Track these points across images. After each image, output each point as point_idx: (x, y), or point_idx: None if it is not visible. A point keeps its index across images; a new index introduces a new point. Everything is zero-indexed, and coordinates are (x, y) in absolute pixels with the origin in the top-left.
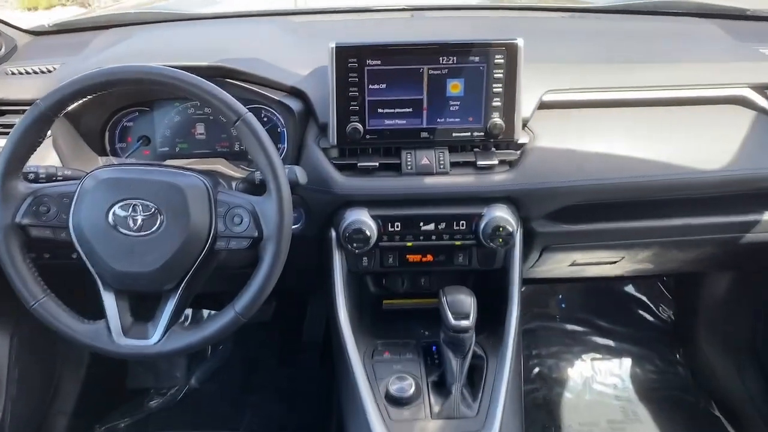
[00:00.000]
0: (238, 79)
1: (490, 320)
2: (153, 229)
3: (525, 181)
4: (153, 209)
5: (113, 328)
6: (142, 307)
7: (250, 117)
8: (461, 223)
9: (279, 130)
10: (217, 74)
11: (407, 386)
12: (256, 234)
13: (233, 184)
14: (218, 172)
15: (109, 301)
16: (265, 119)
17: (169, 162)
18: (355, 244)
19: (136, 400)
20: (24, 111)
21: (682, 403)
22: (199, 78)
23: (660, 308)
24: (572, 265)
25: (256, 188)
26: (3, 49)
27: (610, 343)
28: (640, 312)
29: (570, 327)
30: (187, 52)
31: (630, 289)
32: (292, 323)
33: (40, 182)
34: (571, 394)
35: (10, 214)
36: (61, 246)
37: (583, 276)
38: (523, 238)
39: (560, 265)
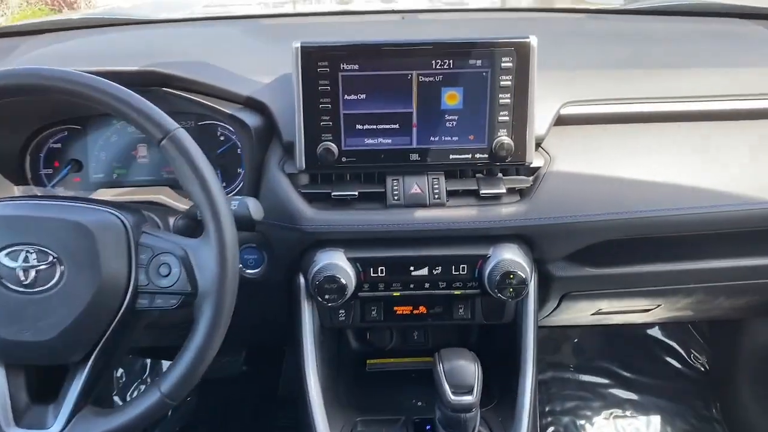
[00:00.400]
0: (179, 87)
1: (499, 387)
2: (50, 284)
3: (540, 215)
4: (51, 258)
5: (1, 413)
6: (44, 383)
7: (181, 134)
8: (462, 267)
9: (239, 151)
10: (151, 82)
11: None
12: (189, 289)
13: (171, 221)
14: (155, 206)
15: None
16: (222, 138)
17: (101, 192)
18: (327, 296)
19: None
20: None
21: None
22: (113, 84)
23: (692, 355)
24: (596, 313)
25: (198, 226)
26: None
27: (635, 396)
28: (669, 360)
29: (588, 378)
30: (120, 56)
31: (656, 332)
32: (266, 377)
33: None
34: None
35: None
36: None
37: (607, 323)
38: (538, 285)
39: (582, 314)
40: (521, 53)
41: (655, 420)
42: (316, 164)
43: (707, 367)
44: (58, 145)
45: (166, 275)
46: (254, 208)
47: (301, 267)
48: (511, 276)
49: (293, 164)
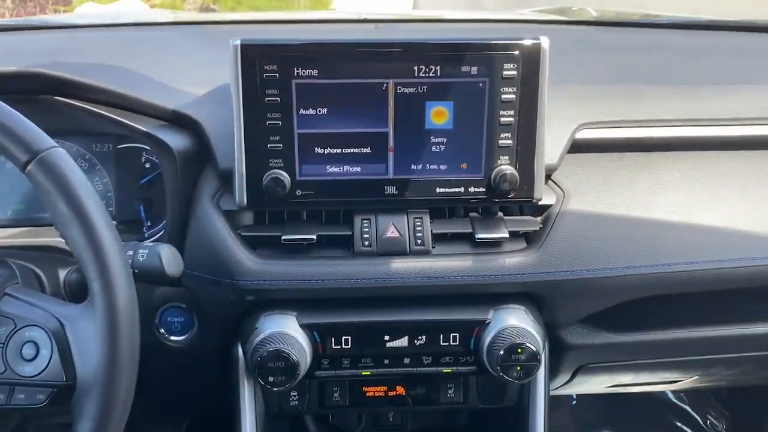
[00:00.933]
0: (76, 96)
1: None
2: None
3: (554, 268)
4: None
5: None
6: None
7: (56, 155)
8: (452, 337)
9: None
10: (39, 88)
11: None
12: (64, 379)
13: (61, 274)
14: (49, 253)
15: None
16: (147, 165)
17: None
18: (271, 378)
19: None
20: None
21: None
22: None
23: (708, 422)
24: (615, 386)
25: None
26: None
27: None
28: (683, 426)
29: None
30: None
31: (667, 395)
32: None
33: None
34: None
35: None
36: None
37: (623, 392)
38: (548, 355)
39: (598, 386)
40: (529, 58)
41: None
42: (261, 199)
43: None
44: None
45: (32, 359)
46: (169, 258)
47: (239, 335)
48: (520, 350)
49: (232, 199)
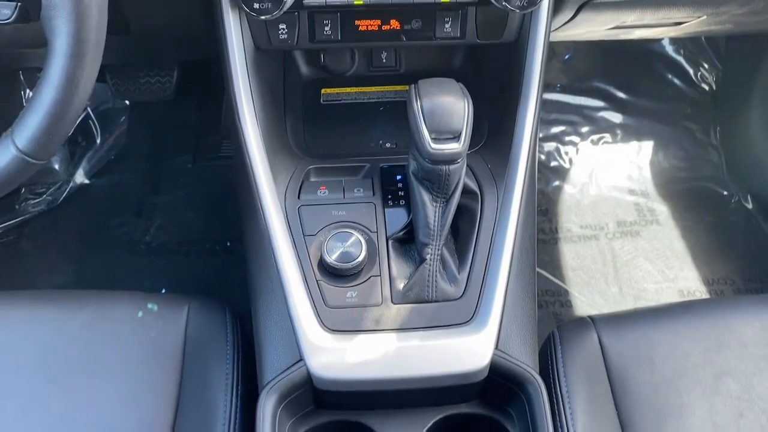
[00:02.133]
0: None
1: (488, 123)
2: None
3: None
4: None
5: None
6: None
7: None
8: None
9: None
10: None
11: (354, 249)
12: None
13: None
14: None
15: None
16: None
17: None
18: (256, 5)
19: (3, 205)
20: None
21: (712, 197)
22: None
23: (700, 74)
24: (616, 27)
25: None
26: None
27: (629, 120)
28: (673, 79)
29: (578, 100)
30: None
31: (662, 46)
32: (205, 101)
33: None
34: (573, 189)
35: None
36: None
37: (623, 38)
38: None
39: (599, 27)
40: None
41: (647, 145)
42: None
43: (714, 87)
44: None
45: None
46: None
47: None
48: None
49: None
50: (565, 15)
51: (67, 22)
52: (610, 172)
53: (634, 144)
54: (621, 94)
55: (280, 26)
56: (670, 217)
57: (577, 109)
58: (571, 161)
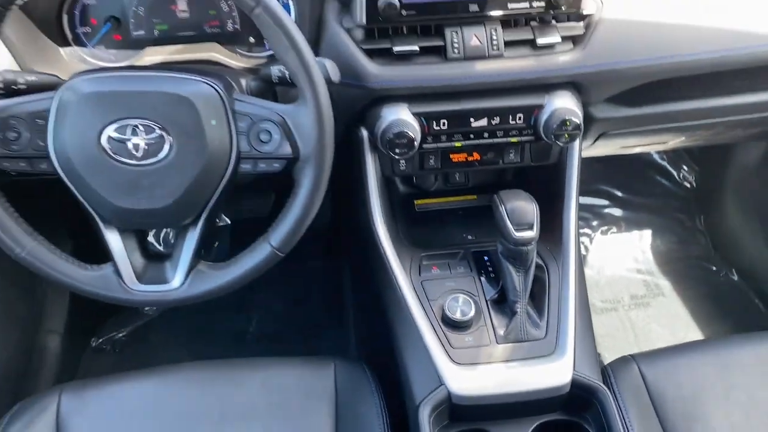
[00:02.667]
0: None
1: (546, 222)
2: (161, 156)
3: (594, 62)
4: (157, 130)
5: (124, 273)
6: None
7: (272, 2)
8: (518, 116)
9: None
10: None
11: (466, 307)
12: (291, 153)
13: (243, 82)
14: (221, 68)
15: (113, 240)
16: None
17: (150, 50)
18: (398, 150)
19: (130, 308)
20: None
21: (704, 272)
22: None
23: (681, 175)
24: (623, 147)
25: (271, 87)
26: None
27: (629, 214)
28: (660, 179)
29: (588, 201)
30: None
31: (652, 155)
32: None
33: None
34: (591, 270)
35: None
36: (43, 177)
37: (623, 154)
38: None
39: (610, 149)
40: None
41: (647, 233)
42: (377, 18)
43: (694, 185)
44: (93, 1)
45: (267, 141)
46: (332, 69)
47: (364, 122)
48: (567, 123)
49: (351, 18)
50: (587, 142)
51: (315, 168)
52: (620, 256)
53: (635, 233)
54: (621, 194)
55: (401, 162)
56: (672, 289)
57: (588, 208)
58: (587, 249)
